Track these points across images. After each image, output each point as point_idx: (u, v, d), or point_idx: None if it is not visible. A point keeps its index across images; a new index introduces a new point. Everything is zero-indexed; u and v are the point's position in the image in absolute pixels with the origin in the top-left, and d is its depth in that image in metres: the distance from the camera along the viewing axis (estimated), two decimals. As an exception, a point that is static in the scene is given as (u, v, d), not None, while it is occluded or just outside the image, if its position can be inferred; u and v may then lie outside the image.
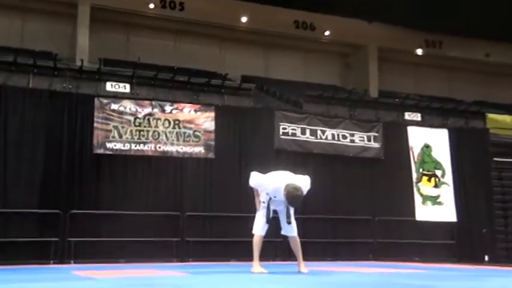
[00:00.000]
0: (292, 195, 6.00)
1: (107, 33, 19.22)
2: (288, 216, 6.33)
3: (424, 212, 12.95)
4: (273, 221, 6.50)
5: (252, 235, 6.47)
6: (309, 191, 6.38)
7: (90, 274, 6.28)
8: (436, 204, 13.12)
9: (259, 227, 6.42)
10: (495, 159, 14.90)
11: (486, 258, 12.54)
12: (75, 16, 18.44)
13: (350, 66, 23.06)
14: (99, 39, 18.65)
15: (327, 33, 21.77)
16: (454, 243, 12.97)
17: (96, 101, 11.06)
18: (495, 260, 12.25)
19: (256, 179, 6.49)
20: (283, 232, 6.51)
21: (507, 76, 24.32)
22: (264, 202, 6.41)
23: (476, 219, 13.25)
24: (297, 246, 6.47)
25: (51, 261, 9.92)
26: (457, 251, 12.79)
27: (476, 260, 12.20)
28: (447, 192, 13.26)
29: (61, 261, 10.00)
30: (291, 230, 6.43)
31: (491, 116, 17.96)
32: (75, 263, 9.90)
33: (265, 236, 6.50)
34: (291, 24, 21.44)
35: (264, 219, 6.40)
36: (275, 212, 6.49)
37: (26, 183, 10.21)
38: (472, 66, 23.70)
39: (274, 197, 6.30)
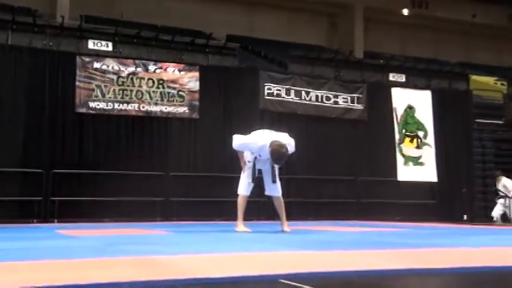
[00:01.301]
0: (278, 153, 6.03)
1: (88, -11, 18.76)
2: (273, 176, 6.38)
3: (405, 173, 13.13)
4: (258, 181, 6.56)
5: (237, 195, 6.53)
6: (292, 153, 6.42)
7: (74, 233, 6.31)
8: (418, 164, 13.30)
9: (244, 187, 6.48)
10: (477, 120, 15.07)
11: (465, 217, 12.81)
12: (56, -29, 17.95)
13: (336, 27, 22.88)
14: (80, -4, 18.21)
15: (313, -8, 21.48)
16: (434, 203, 13.21)
17: (78, 59, 10.91)
18: (473, 219, 12.53)
19: (239, 140, 6.49)
20: (267, 192, 6.57)
21: (491, 38, 24.33)
22: (249, 161, 6.43)
23: (457, 180, 13.48)
24: (280, 206, 6.55)
25: (35, 220, 9.95)
26: (437, 211, 13.03)
27: (456, 219, 12.47)
28: (429, 153, 13.42)
29: (45, 221, 10.03)
30: (275, 190, 6.48)
31: (474, 77, 18.06)
32: (58, 222, 9.94)
33: (250, 196, 6.56)
34: (277, -17, 21.12)
35: (249, 179, 6.45)
36: (259, 171, 6.53)
37: (7, 142, 10.14)
38: (457, 27, 23.63)
39: (259, 155, 6.33)
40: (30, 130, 10.33)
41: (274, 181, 6.41)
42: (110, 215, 10.35)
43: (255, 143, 6.31)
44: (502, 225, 11.32)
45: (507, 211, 12.64)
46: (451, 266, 2.96)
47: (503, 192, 12.74)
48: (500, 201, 12.71)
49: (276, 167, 6.41)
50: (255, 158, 6.40)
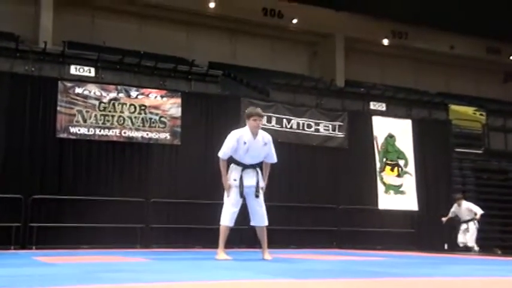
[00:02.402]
0: (251, 109, 6.50)
1: (71, 15, 18.78)
2: (257, 190, 6.35)
3: (386, 201, 13.19)
4: (241, 209, 6.49)
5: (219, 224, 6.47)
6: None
7: (51, 260, 6.20)
8: (399, 193, 13.37)
9: (227, 217, 6.39)
10: (456, 149, 15.25)
11: (446, 246, 12.86)
12: (39, -3, 17.98)
13: (317, 55, 23.16)
14: (63, 21, 18.23)
15: (294, 21, 21.77)
16: (414, 232, 13.25)
17: (60, 84, 10.87)
18: (454, 249, 12.56)
19: (223, 149, 6.47)
20: (253, 223, 6.50)
21: (470, 68, 24.83)
22: (235, 180, 6.36)
23: (436, 209, 13.54)
24: (263, 234, 6.53)
25: (12, 247, 9.76)
26: (418, 239, 13.07)
27: (436, 248, 12.51)
28: (409, 182, 13.52)
29: (22, 247, 9.86)
30: (262, 219, 6.44)
31: (453, 107, 18.35)
32: (36, 248, 9.77)
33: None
34: (259, 11, 21.37)
35: (233, 207, 6.34)
36: (244, 198, 6.46)
37: (-14, 167, 9.99)
38: (436, 58, 24.07)
39: (244, 142, 6.36)
40: (9, 155, 10.22)
41: (257, 196, 6.36)
42: (89, 241, 10.21)
43: (233, 137, 6.42)
44: (483, 254, 11.31)
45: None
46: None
47: (467, 216, 12.31)
48: (471, 225, 12.21)
49: (261, 184, 6.39)
50: (242, 169, 6.34)
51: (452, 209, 12.23)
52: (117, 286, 3.28)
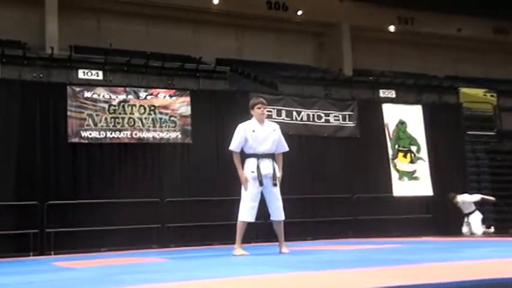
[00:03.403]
0: (255, 99, 6.70)
1: (76, 20, 18.87)
2: (274, 178, 6.39)
3: (401, 188, 13.13)
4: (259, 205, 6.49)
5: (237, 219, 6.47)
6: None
7: (70, 264, 6.25)
8: (413, 179, 13.30)
9: (245, 213, 6.39)
10: (468, 132, 15.15)
11: (462, 229, 12.76)
12: (43, 3, 18.06)
13: (323, 46, 23.08)
14: (69, 26, 18.31)
15: (299, 12, 21.71)
16: (430, 217, 13.19)
17: (68, 89, 10.90)
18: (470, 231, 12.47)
19: (233, 143, 6.54)
20: (272, 217, 6.51)
21: (478, 50, 24.63)
22: (252, 172, 6.37)
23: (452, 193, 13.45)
24: (280, 228, 6.54)
25: (31, 254, 9.83)
26: (434, 225, 13.01)
27: (453, 232, 12.44)
28: (423, 167, 13.44)
29: (41, 253, 9.92)
30: (280, 213, 6.45)
31: (463, 90, 18.22)
32: (55, 254, 9.84)
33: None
34: (264, 5, 21.34)
35: (251, 202, 6.34)
36: (261, 194, 6.47)
37: (0, 175, 10.06)
38: (444, 42, 23.91)
39: (253, 131, 6.47)
40: (23, 162, 10.27)
41: (275, 184, 6.37)
42: (106, 244, 10.25)
43: (241, 128, 6.54)
44: (498, 236, 11.25)
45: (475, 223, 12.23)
46: (455, 280, 2.95)
47: (467, 209, 12.33)
48: (472, 217, 12.17)
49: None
50: (257, 159, 6.37)
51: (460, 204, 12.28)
52: (139, 287, 3.29)
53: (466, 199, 12.23)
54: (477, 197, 12.27)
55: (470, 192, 12.73)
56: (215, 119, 11.94)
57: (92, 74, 13.34)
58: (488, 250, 5.92)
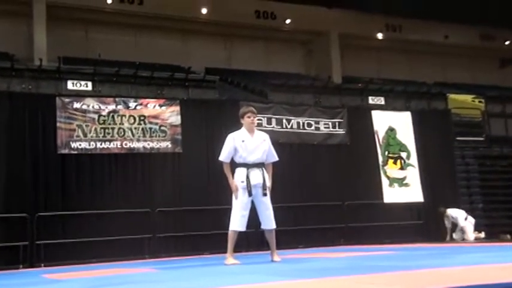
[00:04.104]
0: (244, 108, 6.68)
1: (64, 31, 18.84)
2: (264, 188, 6.39)
3: (391, 194, 13.15)
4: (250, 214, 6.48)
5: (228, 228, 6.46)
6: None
7: (60, 277, 6.20)
8: (403, 186, 13.34)
9: (236, 222, 6.40)
10: (458, 138, 15.23)
11: (454, 236, 12.81)
12: (31, 15, 18.02)
13: (312, 54, 23.18)
14: (57, 37, 18.27)
15: (288, 21, 21.82)
16: (421, 223, 13.22)
17: (57, 100, 10.85)
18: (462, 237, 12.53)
19: (222, 153, 6.57)
20: (263, 226, 6.52)
21: (465, 57, 24.85)
22: (242, 182, 6.37)
23: (442, 199, 13.51)
24: (272, 237, 6.54)
25: (21, 266, 9.74)
26: (425, 231, 13.03)
27: (445, 238, 12.48)
28: (413, 174, 13.48)
29: (31, 265, 9.83)
30: (270, 222, 6.45)
31: (452, 96, 18.33)
32: (45, 266, 9.74)
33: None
34: (252, 14, 21.42)
35: (242, 211, 6.34)
36: (252, 202, 6.47)
37: (-12, 188, 9.97)
38: (432, 49, 24.10)
39: (242, 140, 6.48)
40: (12, 174, 10.19)
41: (265, 194, 6.36)
42: (98, 255, 10.17)
43: (230, 138, 6.57)
44: (489, 241, 11.31)
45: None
46: (450, 286, 2.95)
47: (456, 222, 12.57)
48: (467, 222, 12.41)
49: (267, 180, 6.43)
50: (247, 169, 6.35)
51: (447, 224, 12.64)
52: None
53: (454, 214, 12.50)
54: (463, 214, 12.60)
55: (459, 205, 12.95)
56: (205, 128, 11.93)
57: (81, 85, 13.29)
58: (480, 256, 5.94)
